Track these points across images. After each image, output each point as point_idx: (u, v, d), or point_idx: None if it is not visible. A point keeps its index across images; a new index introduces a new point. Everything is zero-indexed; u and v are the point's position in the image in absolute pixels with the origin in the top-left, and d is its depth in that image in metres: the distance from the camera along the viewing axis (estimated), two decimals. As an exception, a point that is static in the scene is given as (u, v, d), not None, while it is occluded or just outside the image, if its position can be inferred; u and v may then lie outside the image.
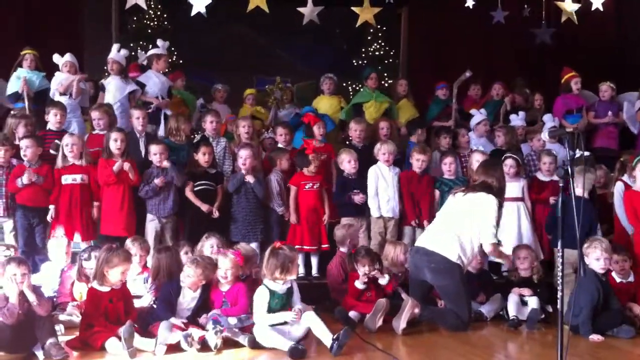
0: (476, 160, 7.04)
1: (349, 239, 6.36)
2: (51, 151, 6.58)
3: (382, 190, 7.03)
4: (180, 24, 9.65)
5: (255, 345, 4.70)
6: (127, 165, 6.41)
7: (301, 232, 6.83)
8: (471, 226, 5.43)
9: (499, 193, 5.46)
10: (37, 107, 7.33)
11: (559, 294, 3.79)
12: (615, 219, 6.64)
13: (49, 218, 6.31)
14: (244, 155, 6.80)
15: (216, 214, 6.61)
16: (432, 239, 5.57)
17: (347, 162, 7.04)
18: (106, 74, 7.77)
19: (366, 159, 7.26)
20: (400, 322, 5.19)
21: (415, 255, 5.64)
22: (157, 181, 6.48)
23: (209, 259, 5.22)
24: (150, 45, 8.54)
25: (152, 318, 4.96)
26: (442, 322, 5.47)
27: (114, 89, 7.54)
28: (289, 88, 9.27)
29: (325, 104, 8.67)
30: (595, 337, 5.20)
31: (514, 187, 6.96)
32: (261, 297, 4.89)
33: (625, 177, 6.68)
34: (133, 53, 8.96)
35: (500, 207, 5.42)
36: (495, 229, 5.35)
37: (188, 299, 5.06)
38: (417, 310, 5.30)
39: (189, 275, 5.03)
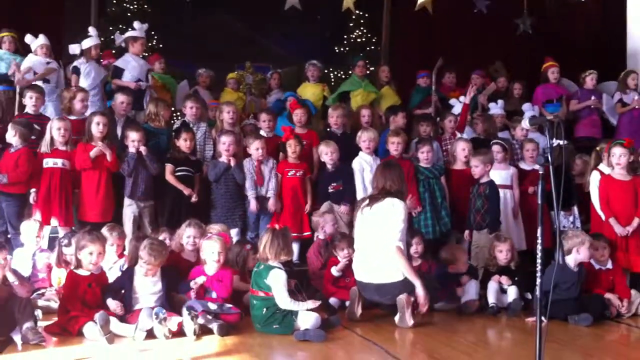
0: (461, 148, 7.05)
1: (320, 225, 6.41)
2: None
3: (367, 182, 6.93)
4: (161, 7, 9.53)
5: (226, 333, 4.67)
6: (101, 144, 6.32)
7: (283, 219, 6.79)
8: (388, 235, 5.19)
9: (399, 194, 5.27)
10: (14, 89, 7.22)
11: (538, 281, 3.82)
12: (591, 207, 6.69)
13: (31, 200, 6.23)
14: (227, 142, 6.73)
15: (195, 199, 6.53)
16: (372, 270, 5.23)
17: (324, 155, 6.98)
18: (82, 58, 7.58)
19: (346, 146, 7.23)
20: (407, 322, 5.06)
21: (365, 292, 5.31)
22: (132, 150, 6.38)
23: (161, 243, 5.17)
24: (130, 30, 8.43)
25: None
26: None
27: (94, 74, 7.49)
28: (278, 73, 9.20)
29: (309, 91, 8.60)
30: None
31: (502, 175, 6.97)
32: (283, 280, 4.83)
33: (601, 166, 6.69)
34: (112, 37, 8.86)
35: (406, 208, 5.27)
36: (401, 232, 5.16)
37: (148, 284, 4.97)
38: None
39: (147, 263, 4.93)
